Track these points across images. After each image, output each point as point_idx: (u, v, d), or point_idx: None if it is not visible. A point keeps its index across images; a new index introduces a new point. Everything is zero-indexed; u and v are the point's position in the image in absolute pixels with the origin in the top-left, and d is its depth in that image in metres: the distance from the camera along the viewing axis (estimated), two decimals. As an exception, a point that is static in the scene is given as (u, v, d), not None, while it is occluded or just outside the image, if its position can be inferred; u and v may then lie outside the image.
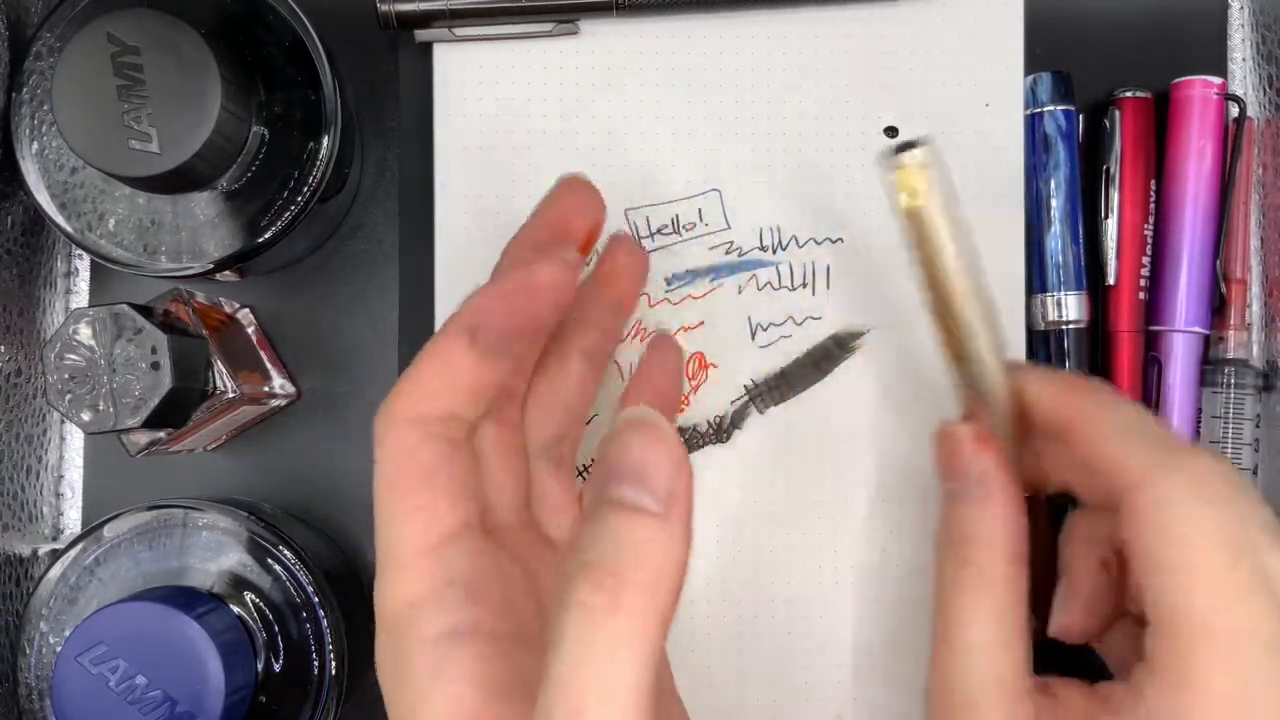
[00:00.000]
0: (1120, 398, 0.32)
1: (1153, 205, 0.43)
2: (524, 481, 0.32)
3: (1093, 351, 0.43)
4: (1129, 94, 0.42)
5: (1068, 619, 0.33)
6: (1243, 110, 0.42)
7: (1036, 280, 0.42)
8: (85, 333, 0.34)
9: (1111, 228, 0.42)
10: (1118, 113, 0.42)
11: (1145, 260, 0.42)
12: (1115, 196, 0.42)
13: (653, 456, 0.22)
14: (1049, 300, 0.42)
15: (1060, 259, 0.42)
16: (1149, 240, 0.42)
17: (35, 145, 0.37)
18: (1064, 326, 0.42)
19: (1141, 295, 0.42)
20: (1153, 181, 0.42)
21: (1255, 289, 0.43)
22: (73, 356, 0.34)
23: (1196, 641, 0.25)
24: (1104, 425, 0.29)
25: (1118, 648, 0.32)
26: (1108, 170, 0.42)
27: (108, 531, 0.37)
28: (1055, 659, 0.33)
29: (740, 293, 0.40)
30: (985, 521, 0.29)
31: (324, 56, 0.37)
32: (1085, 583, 0.32)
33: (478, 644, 0.26)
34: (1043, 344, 0.42)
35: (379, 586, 0.27)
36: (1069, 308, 0.42)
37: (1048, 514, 0.37)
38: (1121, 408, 0.30)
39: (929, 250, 0.29)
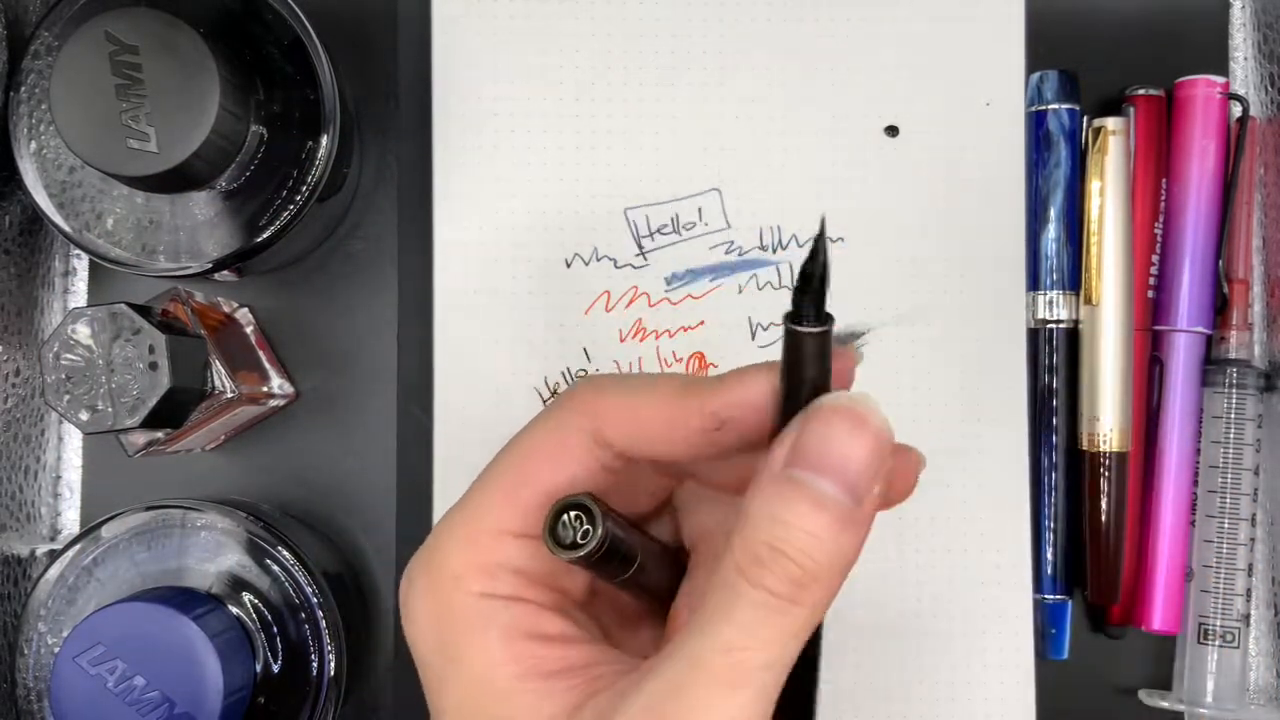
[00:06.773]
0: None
1: (1163, 204, 0.42)
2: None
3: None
4: (1141, 91, 0.42)
5: None
6: (1245, 109, 0.42)
7: (1029, 278, 0.42)
8: (83, 332, 0.34)
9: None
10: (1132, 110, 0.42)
11: (1154, 259, 0.42)
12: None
13: (856, 452, 0.21)
14: (1040, 299, 0.42)
15: (1055, 259, 0.41)
16: (1159, 239, 0.42)
17: (33, 144, 0.37)
18: (1053, 325, 0.42)
19: (1150, 294, 0.42)
20: (1164, 180, 0.42)
21: (1257, 289, 0.43)
22: (71, 356, 0.34)
23: None
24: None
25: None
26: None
27: (106, 532, 0.36)
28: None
29: (740, 293, 0.40)
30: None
31: (323, 55, 0.37)
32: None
33: (526, 608, 0.25)
34: (1030, 341, 0.42)
35: (436, 543, 0.25)
36: (1060, 307, 0.41)
37: None
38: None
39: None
